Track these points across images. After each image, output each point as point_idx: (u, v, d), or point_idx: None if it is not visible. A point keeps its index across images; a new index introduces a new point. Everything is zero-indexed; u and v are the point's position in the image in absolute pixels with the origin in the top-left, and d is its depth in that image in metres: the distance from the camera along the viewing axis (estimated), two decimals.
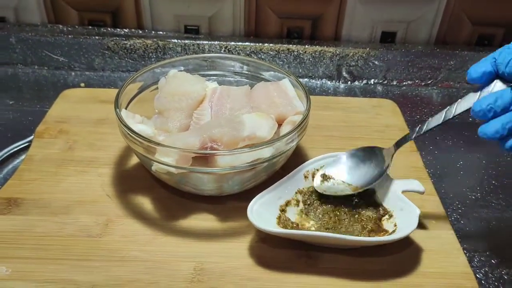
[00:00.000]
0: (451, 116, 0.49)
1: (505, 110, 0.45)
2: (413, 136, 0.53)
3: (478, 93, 0.47)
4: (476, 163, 0.70)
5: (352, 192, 0.56)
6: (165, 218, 0.56)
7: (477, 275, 0.53)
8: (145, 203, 0.58)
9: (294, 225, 0.54)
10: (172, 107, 0.59)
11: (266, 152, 0.53)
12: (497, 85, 0.46)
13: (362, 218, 0.55)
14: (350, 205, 0.57)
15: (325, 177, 0.57)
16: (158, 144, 0.52)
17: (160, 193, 0.59)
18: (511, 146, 0.45)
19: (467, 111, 0.48)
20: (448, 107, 0.50)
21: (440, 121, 0.50)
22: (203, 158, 0.53)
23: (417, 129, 0.53)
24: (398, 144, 0.56)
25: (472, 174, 0.68)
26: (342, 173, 0.57)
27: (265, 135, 0.55)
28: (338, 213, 0.56)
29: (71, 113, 0.71)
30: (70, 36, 0.85)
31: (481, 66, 0.46)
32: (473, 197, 0.64)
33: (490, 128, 0.45)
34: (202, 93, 0.61)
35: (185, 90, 0.60)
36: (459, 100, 0.49)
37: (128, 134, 0.53)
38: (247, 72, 0.69)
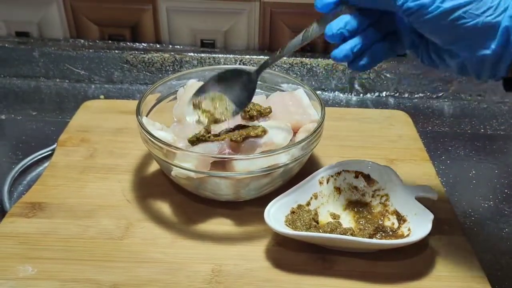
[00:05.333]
0: (307, 40, 0.50)
1: (353, 34, 0.46)
2: (273, 60, 0.53)
3: (330, 16, 0.48)
4: (488, 173, 0.71)
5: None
6: (183, 222, 0.58)
7: (490, 280, 0.54)
8: (164, 208, 0.60)
9: (305, 226, 0.55)
10: None
11: (282, 158, 0.55)
12: (344, 9, 0.47)
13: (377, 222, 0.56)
14: (364, 208, 0.58)
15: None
16: (178, 149, 0.54)
17: (178, 199, 0.61)
18: (357, 67, 0.48)
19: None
20: (304, 30, 0.50)
21: (299, 43, 0.50)
22: (221, 164, 0.55)
23: (277, 53, 0.52)
24: (259, 71, 0.55)
25: (485, 183, 0.69)
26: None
27: (281, 142, 0.56)
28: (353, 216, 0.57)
29: (92, 123, 0.74)
30: (90, 50, 0.89)
31: None
32: (486, 205, 0.65)
33: (340, 52, 0.47)
34: None
35: None
36: (314, 23, 0.49)
37: (149, 139, 0.55)
38: (261, 83, 0.71)
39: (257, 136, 0.55)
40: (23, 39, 0.90)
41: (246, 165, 0.54)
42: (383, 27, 0.48)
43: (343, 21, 0.46)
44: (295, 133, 0.60)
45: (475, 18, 0.40)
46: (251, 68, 0.57)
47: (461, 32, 0.41)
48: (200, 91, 0.56)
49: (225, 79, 0.57)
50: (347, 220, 0.57)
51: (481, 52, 0.41)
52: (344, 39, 0.47)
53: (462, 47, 0.43)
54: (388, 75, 0.89)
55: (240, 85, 0.56)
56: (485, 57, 0.42)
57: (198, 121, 0.56)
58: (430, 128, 0.82)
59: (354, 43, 0.47)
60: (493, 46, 0.41)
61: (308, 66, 0.89)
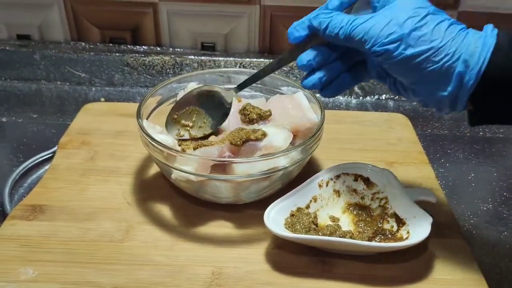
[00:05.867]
0: (283, 65, 0.54)
1: (322, 65, 0.50)
2: (250, 82, 0.57)
3: (301, 46, 0.51)
4: (487, 176, 0.71)
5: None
6: (184, 225, 0.58)
7: (489, 283, 0.54)
8: (165, 210, 0.60)
9: (305, 229, 0.55)
10: None
11: (281, 161, 0.55)
12: (313, 41, 0.50)
13: (376, 224, 0.57)
14: (363, 211, 0.58)
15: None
16: (179, 152, 0.54)
17: (178, 202, 0.61)
18: (325, 95, 0.53)
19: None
20: (280, 56, 0.53)
21: (275, 67, 0.54)
22: (221, 167, 0.55)
23: (254, 74, 0.57)
24: (235, 90, 0.59)
25: (484, 186, 0.69)
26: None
27: (281, 145, 0.57)
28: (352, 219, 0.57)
29: (92, 126, 0.74)
30: (91, 53, 0.89)
31: (299, 31, 0.51)
32: (485, 208, 0.65)
33: (309, 82, 0.51)
34: None
35: None
36: (287, 51, 0.53)
37: (150, 143, 0.56)
38: (261, 86, 0.71)
39: (257, 139, 0.56)
40: (24, 42, 0.91)
41: (246, 168, 0.54)
42: (350, 58, 0.51)
43: (312, 54, 0.50)
44: (294, 136, 0.60)
45: (434, 64, 0.44)
46: (228, 89, 0.60)
47: (422, 75, 0.45)
48: (177, 107, 0.60)
49: (202, 96, 0.60)
50: (347, 223, 0.58)
51: (439, 94, 0.46)
52: (313, 69, 0.50)
53: (423, 89, 0.47)
54: None
55: (217, 102, 0.60)
56: (443, 98, 0.46)
57: (179, 135, 0.60)
58: (429, 131, 0.82)
59: (322, 73, 0.51)
60: (449, 88, 0.45)
61: None
